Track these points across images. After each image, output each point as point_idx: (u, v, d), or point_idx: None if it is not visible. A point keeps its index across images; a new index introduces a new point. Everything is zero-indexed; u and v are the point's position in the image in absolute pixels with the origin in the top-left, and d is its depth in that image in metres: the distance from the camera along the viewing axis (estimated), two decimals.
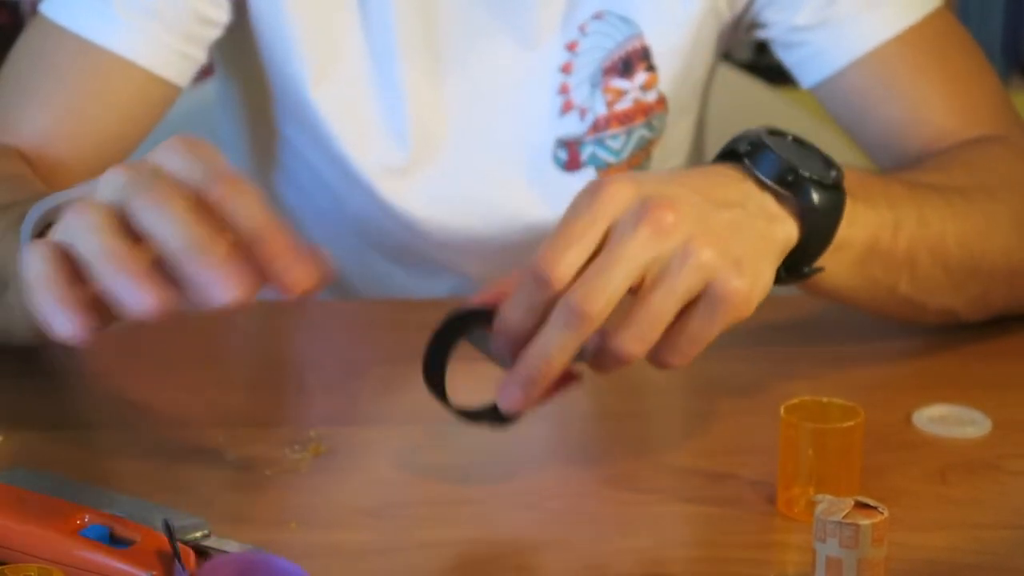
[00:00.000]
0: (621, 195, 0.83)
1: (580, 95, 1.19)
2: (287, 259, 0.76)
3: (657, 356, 0.85)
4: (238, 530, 0.83)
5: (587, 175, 1.21)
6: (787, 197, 0.89)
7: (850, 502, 0.77)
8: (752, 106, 1.58)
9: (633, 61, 1.19)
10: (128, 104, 1.11)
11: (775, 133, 0.91)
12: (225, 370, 1.05)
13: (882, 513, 0.76)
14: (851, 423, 0.85)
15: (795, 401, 0.86)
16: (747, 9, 1.21)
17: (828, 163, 0.91)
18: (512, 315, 0.84)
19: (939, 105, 1.16)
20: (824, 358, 1.07)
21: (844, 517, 0.75)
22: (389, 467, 0.92)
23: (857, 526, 0.75)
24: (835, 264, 0.93)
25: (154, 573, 0.76)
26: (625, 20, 1.18)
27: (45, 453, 0.92)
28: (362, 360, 1.05)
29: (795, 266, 0.91)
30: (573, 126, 1.19)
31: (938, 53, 1.17)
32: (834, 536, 0.75)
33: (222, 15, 1.14)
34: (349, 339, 1.09)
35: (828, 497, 0.77)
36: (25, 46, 1.12)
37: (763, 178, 0.89)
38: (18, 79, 1.11)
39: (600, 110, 1.19)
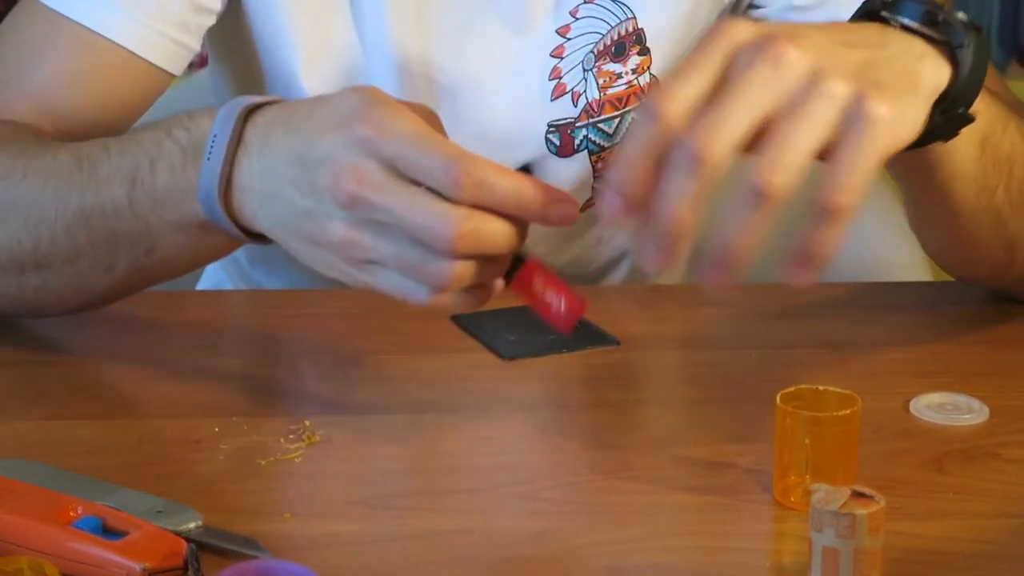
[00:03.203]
0: (740, 31, 0.79)
1: (573, 79, 1.18)
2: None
3: (824, 195, 0.78)
4: (232, 520, 0.82)
5: (580, 160, 1.20)
6: (937, 39, 0.87)
7: (847, 491, 0.76)
8: None
9: (626, 44, 1.19)
10: (119, 90, 1.10)
11: None
12: (218, 360, 1.04)
13: (879, 502, 0.76)
14: (848, 411, 0.84)
15: (791, 389, 0.86)
16: None
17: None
18: (624, 159, 0.79)
19: None
20: (821, 346, 1.07)
21: (841, 507, 0.75)
22: (384, 457, 0.92)
23: (853, 516, 0.75)
24: (961, 142, 0.92)
25: (147, 565, 0.76)
26: (618, 3, 1.17)
27: (38, 444, 0.92)
28: (357, 349, 1.05)
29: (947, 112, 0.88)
30: (566, 111, 1.19)
31: None
32: (830, 526, 0.75)
33: (216, 3, 1.13)
34: (344, 327, 1.08)
35: (824, 486, 0.77)
36: (14, 28, 1.11)
37: (908, 22, 0.87)
38: (6, 60, 1.10)
39: (593, 94, 1.19)
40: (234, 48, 1.21)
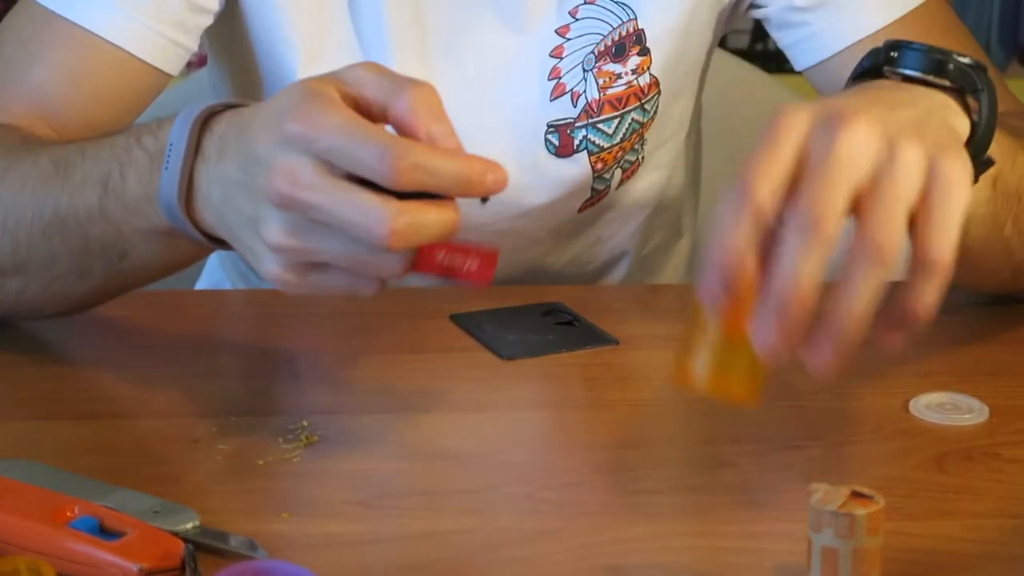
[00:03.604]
0: (801, 118, 0.79)
1: (572, 79, 1.18)
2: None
3: (924, 252, 0.78)
4: (230, 521, 0.82)
5: (580, 160, 1.20)
6: (951, 88, 0.87)
7: (846, 491, 0.76)
8: (748, 91, 1.57)
9: (626, 45, 1.19)
10: (117, 90, 1.10)
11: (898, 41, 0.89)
12: (216, 360, 1.04)
13: (878, 502, 0.75)
14: None
15: None
16: None
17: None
18: (722, 245, 0.77)
19: None
20: None
21: (840, 506, 0.75)
22: (382, 457, 0.92)
23: (852, 516, 0.75)
24: (976, 185, 0.91)
25: (144, 565, 0.76)
26: (619, 4, 1.17)
27: (34, 444, 0.91)
28: (355, 349, 1.05)
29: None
30: (565, 111, 1.19)
31: (937, 38, 1.16)
32: (830, 526, 0.75)
33: (213, 3, 1.13)
34: (342, 327, 1.08)
35: (824, 486, 0.76)
36: (11, 29, 1.11)
37: (921, 76, 0.87)
38: (4, 60, 1.10)
39: (593, 94, 1.19)
40: (232, 48, 1.21)
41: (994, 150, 0.92)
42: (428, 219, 0.82)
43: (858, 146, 0.78)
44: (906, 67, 0.88)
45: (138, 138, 0.94)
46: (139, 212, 0.93)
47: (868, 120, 0.79)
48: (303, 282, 0.85)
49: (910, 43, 0.89)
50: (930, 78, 0.88)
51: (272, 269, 0.85)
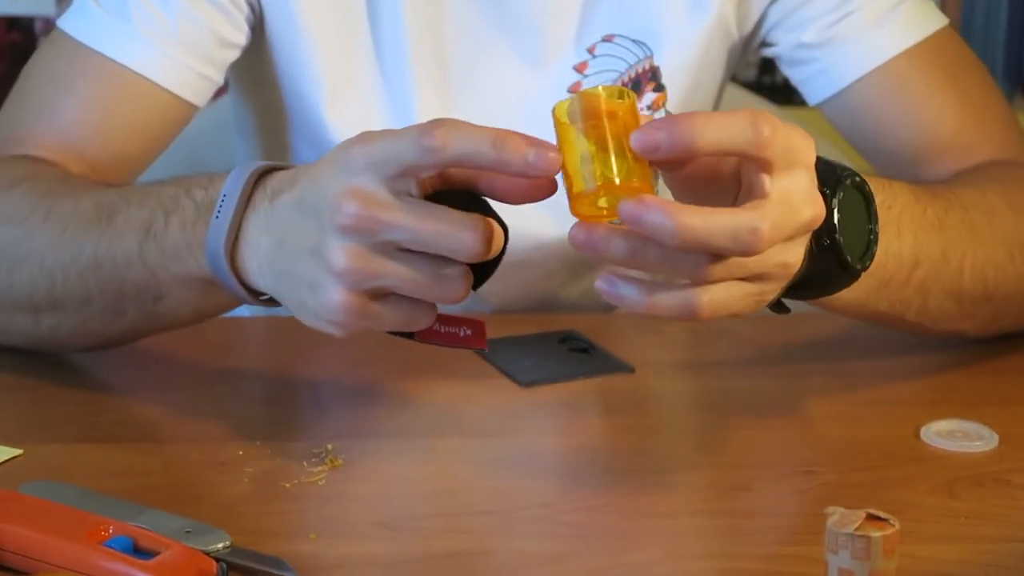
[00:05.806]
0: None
1: None
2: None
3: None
4: (259, 541, 0.84)
5: None
6: (819, 245, 0.89)
7: (861, 514, 0.78)
8: None
9: (642, 81, 1.20)
10: (146, 122, 1.12)
11: (858, 188, 0.91)
12: (243, 385, 1.06)
13: (893, 525, 0.77)
14: (623, 101, 0.83)
15: (566, 101, 0.84)
16: (756, 30, 1.22)
17: (870, 245, 0.92)
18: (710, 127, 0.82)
19: (951, 119, 1.17)
20: (834, 374, 1.08)
21: (856, 529, 0.77)
22: (405, 479, 0.93)
23: (868, 538, 0.76)
24: (841, 294, 0.94)
25: None
26: (636, 42, 1.19)
27: (66, 466, 0.93)
28: (377, 374, 1.07)
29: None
30: None
31: (947, 69, 1.18)
32: (846, 548, 0.76)
33: (240, 38, 1.15)
34: (363, 354, 1.10)
35: (840, 509, 0.78)
36: (42, 61, 1.13)
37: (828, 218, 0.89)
38: (35, 93, 1.12)
39: None
40: (257, 82, 1.22)
41: (889, 257, 0.96)
42: (497, 230, 0.85)
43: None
44: (833, 197, 0.89)
45: (187, 189, 0.95)
46: (177, 258, 0.95)
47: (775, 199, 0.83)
48: (364, 310, 0.86)
49: (829, 199, 0.89)
50: (825, 229, 0.89)
51: (336, 297, 0.86)
